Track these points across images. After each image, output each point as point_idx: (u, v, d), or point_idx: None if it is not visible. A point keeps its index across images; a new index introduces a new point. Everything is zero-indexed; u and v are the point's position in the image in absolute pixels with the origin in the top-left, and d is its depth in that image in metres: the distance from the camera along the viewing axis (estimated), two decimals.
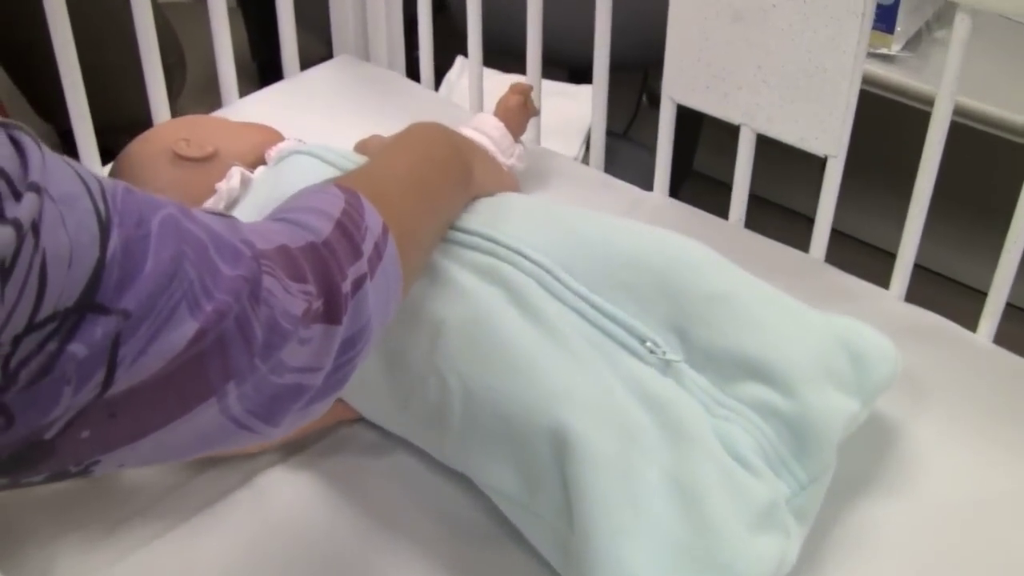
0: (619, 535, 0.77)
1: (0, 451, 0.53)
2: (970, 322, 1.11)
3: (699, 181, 2.04)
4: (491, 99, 1.40)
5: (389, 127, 1.22)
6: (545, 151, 1.37)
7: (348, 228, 0.70)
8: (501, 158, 1.18)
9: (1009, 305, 1.09)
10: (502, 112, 1.21)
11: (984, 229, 2.13)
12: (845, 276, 1.17)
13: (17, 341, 0.50)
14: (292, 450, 0.95)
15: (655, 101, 1.69)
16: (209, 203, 1.03)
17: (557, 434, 0.81)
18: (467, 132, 1.18)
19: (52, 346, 0.51)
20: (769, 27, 1.08)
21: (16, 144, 0.51)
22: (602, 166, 1.35)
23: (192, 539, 0.89)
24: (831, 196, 1.14)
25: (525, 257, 0.91)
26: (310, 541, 0.90)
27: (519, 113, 1.22)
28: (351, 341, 0.68)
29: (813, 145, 1.11)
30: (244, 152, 1.08)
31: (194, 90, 1.94)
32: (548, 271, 0.91)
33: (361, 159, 1.03)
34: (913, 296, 1.15)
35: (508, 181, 1.09)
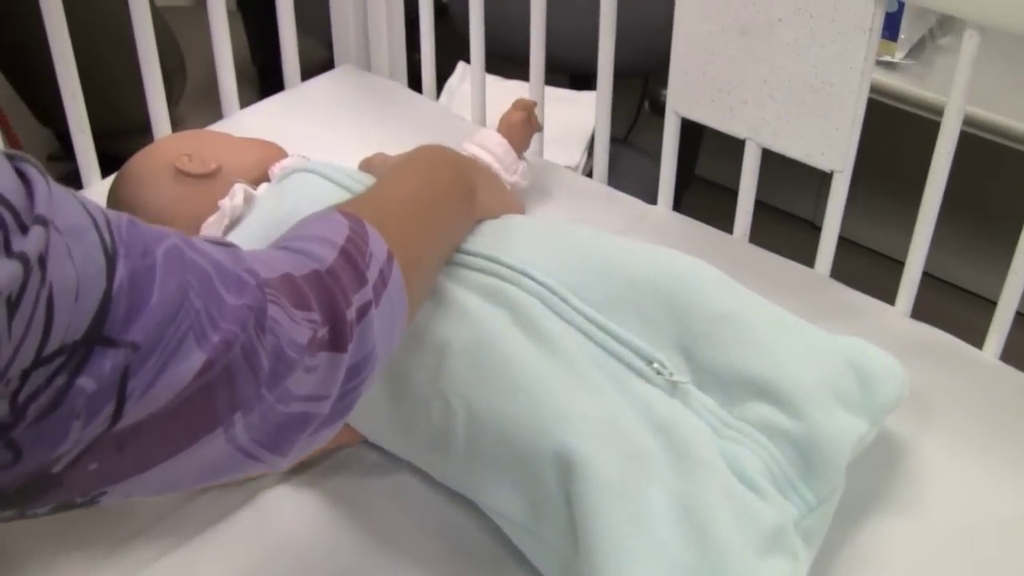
0: (625, 559, 0.76)
1: (7, 485, 0.53)
2: (972, 328, 1.10)
3: (702, 186, 2.04)
4: (492, 105, 1.40)
5: (391, 139, 1.22)
6: (548, 164, 1.37)
7: (352, 255, 0.69)
8: (504, 175, 1.17)
9: (1019, 314, 1.08)
10: (505, 128, 1.20)
11: (986, 235, 2.13)
12: (851, 292, 1.16)
13: (25, 375, 0.49)
14: (294, 470, 0.95)
15: (657, 108, 1.69)
16: (212, 220, 1.02)
17: (562, 457, 0.80)
18: (470, 148, 1.18)
19: (61, 380, 0.51)
20: (775, 41, 1.08)
21: (22, 176, 0.51)
22: (605, 179, 1.35)
23: (195, 559, 0.89)
24: (837, 211, 1.14)
25: (530, 278, 0.91)
26: (312, 561, 0.89)
27: (522, 129, 1.21)
28: (356, 368, 0.67)
29: (819, 160, 1.10)
30: (247, 168, 1.08)
31: (194, 95, 1.92)
32: (553, 291, 0.90)
33: (365, 177, 1.03)
34: (916, 302, 1.14)
35: (512, 203, 1.08)
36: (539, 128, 1.26)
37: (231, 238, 0.99)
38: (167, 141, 1.15)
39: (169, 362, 0.55)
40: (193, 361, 0.56)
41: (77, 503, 0.57)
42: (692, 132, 1.22)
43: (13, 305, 0.47)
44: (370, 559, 0.89)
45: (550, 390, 0.84)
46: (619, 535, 0.77)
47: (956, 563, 0.89)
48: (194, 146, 1.09)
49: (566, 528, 0.80)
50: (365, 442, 0.97)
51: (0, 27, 1.81)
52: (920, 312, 1.14)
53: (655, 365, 0.87)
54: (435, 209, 0.89)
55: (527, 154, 1.24)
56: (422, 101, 1.50)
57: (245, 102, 1.47)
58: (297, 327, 0.62)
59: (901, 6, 1.60)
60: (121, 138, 1.63)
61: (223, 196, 1.03)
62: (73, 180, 1.33)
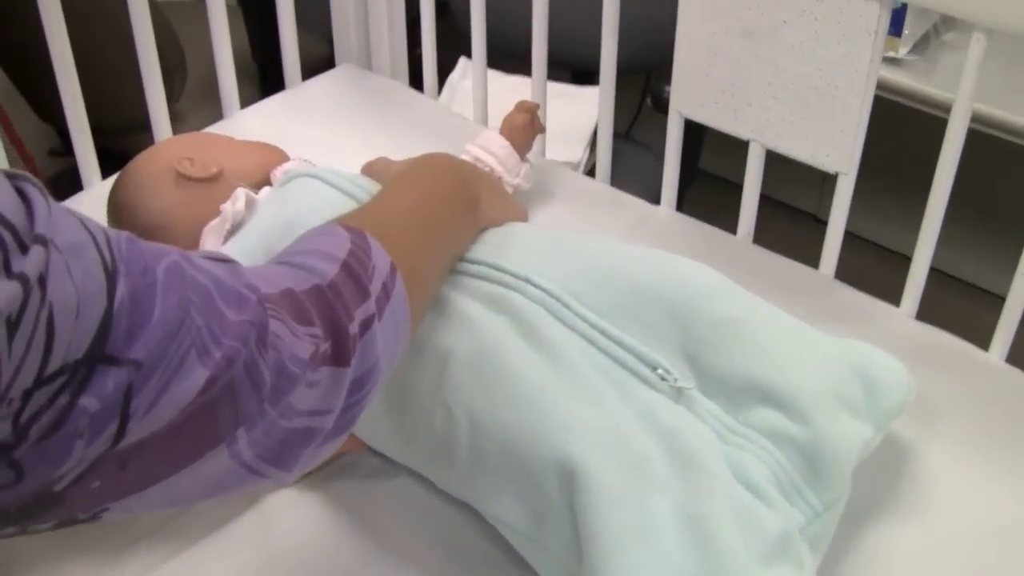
0: (628, 569, 0.76)
1: (8, 504, 0.53)
2: (978, 324, 1.09)
3: (705, 180, 2.04)
4: (493, 101, 1.39)
5: (392, 141, 1.22)
6: (550, 164, 1.36)
7: (354, 269, 0.69)
8: (507, 177, 1.16)
9: None
10: (508, 130, 1.20)
11: (990, 230, 2.13)
12: (855, 293, 1.16)
13: (27, 396, 0.49)
14: None
15: (659, 104, 1.69)
16: (214, 224, 1.01)
17: (564, 467, 0.80)
18: (472, 150, 1.17)
19: (63, 400, 0.50)
20: (779, 44, 1.07)
21: (22, 195, 0.50)
22: (608, 178, 1.34)
23: (198, 563, 0.89)
24: (841, 213, 1.13)
25: (533, 284, 0.90)
26: (315, 565, 0.89)
27: (525, 131, 1.21)
28: (360, 382, 0.67)
29: (824, 162, 1.10)
30: (249, 172, 1.07)
31: (195, 92, 1.92)
32: (557, 298, 0.90)
33: (367, 182, 1.02)
34: (922, 295, 1.14)
35: (515, 212, 1.07)
36: (542, 130, 1.25)
37: (232, 243, 0.99)
38: (168, 144, 1.15)
39: (172, 379, 0.54)
40: (196, 378, 0.55)
41: (79, 519, 0.57)
42: (695, 129, 1.21)
43: (13, 325, 0.47)
44: (372, 563, 0.89)
45: (552, 399, 0.83)
46: (623, 546, 0.77)
47: (961, 568, 0.89)
48: (195, 149, 1.08)
49: (569, 538, 0.80)
50: (368, 447, 0.96)
51: (0, 25, 1.81)
52: (926, 306, 1.14)
53: (659, 371, 0.87)
54: (438, 219, 0.88)
55: (529, 155, 1.23)
56: (423, 101, 1.49)
57: (246, 98, 1.47)
58: (299, 342, 0.62)
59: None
60: (122, 135, 1.63)
61: (224, 200, 1.02)
62: (74, 176, 1.33)
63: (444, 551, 0.89)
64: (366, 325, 0.67)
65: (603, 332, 0.89)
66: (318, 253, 0.70)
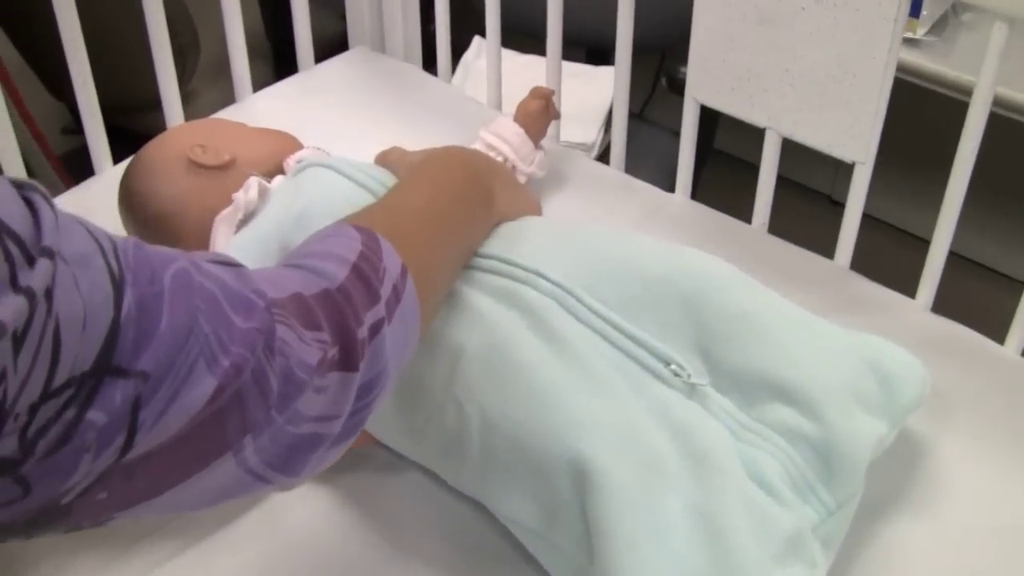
0: (639, 567, 0.76)
1: (16, 518, 0.52)
2: (996, 308, 1.07)
3: (721, 159, 2.02)
4: (507, 80, 1.38)
5: (406, 125, 1.21)
6: (564, 151, 1.35)
7: (365, 272, 0.68)
8: (520, 165, 1.15)
9: None
10: (522, 116, 1.18)
11: (1007, 213, 2.11)
12: (871, 285, 1.15)
13: (34, 410, 0.49)
14: None
15: (674, 85, 1.67)
16: (226, 213, 1.00)
17: (576, 465, 0.79)
18: (487, 137, 1.16)
19: (70, 414, 0.50)
20: (797, 31, 1.05)
21: (29, 205, 0.50)
22: (623, 164, 1.33)
23: (207, 558, 0.89)
24: (858, 202, 1.12)
25: (545, 278, 0.90)
26: (323, 560, 0.89)
27: (539, 118, 1.19)
28: (368, 386, 0.67)
29: (841, 151, 1.08)
30: (262, 160, 1.06)
31: (208, 70, 1.91)
32: (569, 292, 0.89)
33: (380, 172, 1.01)
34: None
35: (529, 205, 1.06)
36: (557, 116, 1.24)
37: (245, 232, 0.99)
38: (180, 130, 1.14)
39: (180, 390, 0.54)
40: (205, 387, 0.55)
41: (85, 527, 0.57)
42: (710, 112, 1.20)
43: (19, 340, 0.46)
44: (382, 558, 0.88)
45: (564, 395, 0.83)
46: (635, 543, 0.76)
47: (976, 565, 0.88)
48: (208, 136, 1.07)
49: (580, 535, 0.80)
50: (377, 442, 0.96)
51: (12, 2, 1.80)
52: (943, 291, 1.12)
53: (673, 367, 0.86)
54: (451, 217, 0.87)
55: (543, 140, 1.22)
56: (437, 85, 1.48)
57: (259, 77, 1.46)
58: (307, 348, 0.61)
59: None
60: (135, 113, 1.62)
61: (237, 188, 1.01)
62: (86, 154, 1.32)
63: (454, 546, 0.89)
64: (375, 329, 0.67)
65: (615, 326, 0.88)
66: (328, 255, 0.69)
